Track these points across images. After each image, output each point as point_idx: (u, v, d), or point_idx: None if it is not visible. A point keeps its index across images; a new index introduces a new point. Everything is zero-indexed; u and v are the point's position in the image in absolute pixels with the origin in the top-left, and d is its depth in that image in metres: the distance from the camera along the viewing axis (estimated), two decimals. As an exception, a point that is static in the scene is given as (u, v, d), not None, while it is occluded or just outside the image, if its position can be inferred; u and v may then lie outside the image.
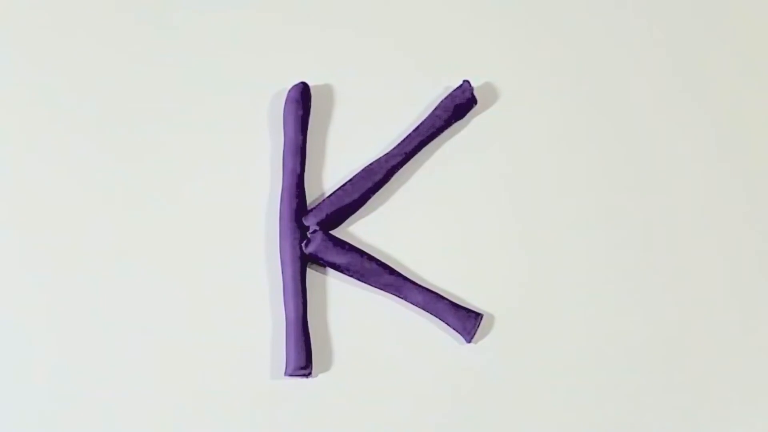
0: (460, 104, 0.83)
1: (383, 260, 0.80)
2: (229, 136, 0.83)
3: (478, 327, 0.78)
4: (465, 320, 0.78)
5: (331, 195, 0.81)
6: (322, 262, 0.79)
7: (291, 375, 0.77)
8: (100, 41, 0.85)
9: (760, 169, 0.83)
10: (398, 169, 0.82)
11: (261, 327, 0.79)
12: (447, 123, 0.83)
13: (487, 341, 0.79)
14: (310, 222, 0.80)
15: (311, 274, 0.80)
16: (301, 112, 0.82)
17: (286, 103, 0.83)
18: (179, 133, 0.83)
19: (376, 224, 0.81)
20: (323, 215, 0.80)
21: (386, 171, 0.81)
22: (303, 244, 0.79)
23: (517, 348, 0.79)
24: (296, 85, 0.83)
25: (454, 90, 0.83)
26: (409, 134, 0.82)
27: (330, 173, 0.82)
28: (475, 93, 0.84)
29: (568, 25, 0.87)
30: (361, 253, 0.79)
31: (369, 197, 0.81)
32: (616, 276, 0.80)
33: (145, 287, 0.79)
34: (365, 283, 0.79)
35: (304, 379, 0.78)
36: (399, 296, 0.79)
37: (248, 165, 0.82)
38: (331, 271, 0.80)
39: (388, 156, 0.81)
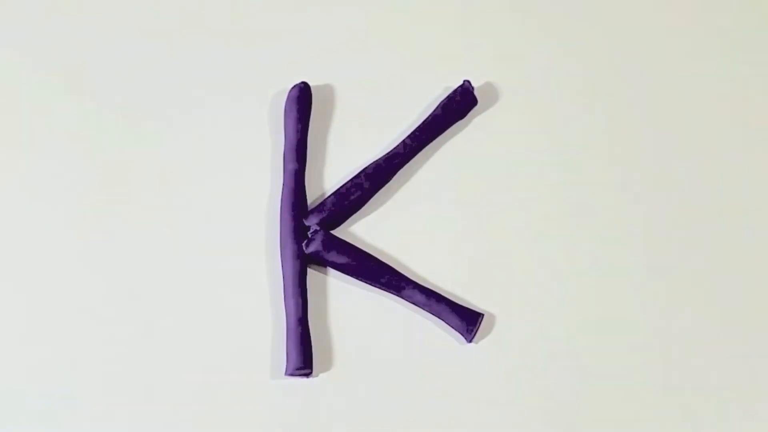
0: (460, 104, 0.83)
1: (384, 260, 0.80)
2: (229, 136, 0.83)
3: (478, 327, 0.78)
4: (465, 320, 0.78)
5: (331, 195, 0.80)
6: (322, 261, 0.79)
7: (291, 375, 0.77)
8: (101, 42, 0.85)
9: (759, 169, 0.83)
10: (399, 170, 0.82)
11: (261, 327, 0.79)
12: (447, 123, 0.83)
13: (487, 341, 0.79)
14: (311, 222, 0.80)
15: (311, 274, 0.80)
16: (301, 112, 0.82)
17: (286, 102, 0.83)
18: (180, 133, 0.83)
19: (376, 224, 0.81)
20: (324, 215, 0.80)
21: (387, 171, 0.81)
22: (304, 244, 0.79)
23: (517, 348, 0.79)
24: (296, 85, 0.83)
25: (454, 90, 0.83)
26: (410, 134, 0.82)
27: (330, 173, 0.82)
28: (475, 93, 0.84)
29: (568, 26, 0.87)
30: (362, 253, 0.79)
31: (370, 197, 0.81)
32: (617, 276, 0.80)
33: (146, 287, 0.79)
34: (365, 283, 0.79)
35: (304, 379, 0.78)
36: (399, 296, 0.79)
37: (248, 165, 0.82)
38: (331, 271, 0.80)
39: (388, 156, 0.81)
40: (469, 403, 0.77)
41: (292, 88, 0.83)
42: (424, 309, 0.79)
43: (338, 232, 0.81)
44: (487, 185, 0.82)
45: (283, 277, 0.79)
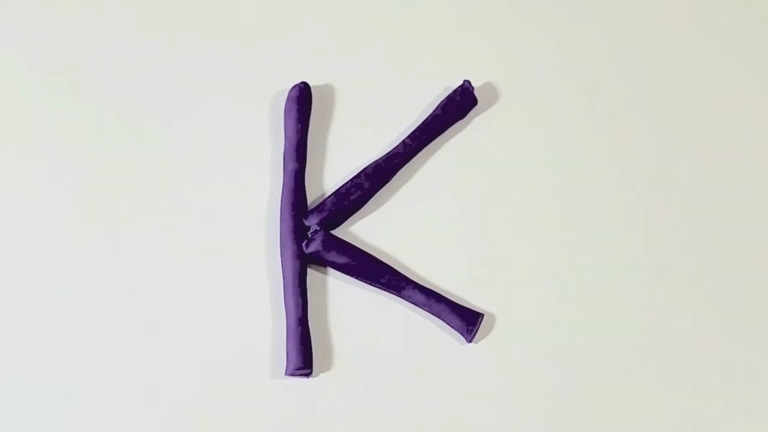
0: (460, 104, 0.83)
1: (384, 260, 0.80)
2: (229, 136, 0.83)
3: (478, 327, 0.78)
4: (465, 320, 0.78)
5: (331, 195, 0.80)
6: (322, 261, 0.79)
7: (291, 375, 0.77)
8: (101, 41, 0.85)
9: (759, 169, 0.83)
10: (399, 170, 0.82)
11: (261, 327, 0.79)
12: (447, 123, 0.83)
13: (487, 341, 0.79)
14: (311, 222, 0.80)
15: (311, 274, 0.80)
16: (301, 112, 0.82)
17: (286, 102, 0.83)
18: (180, 132, 0.83)
19: (376, 224, 0.81)
20: (324, 215, 0.80)
21: (387, 171, 0.81)
22: (304, 244, 0.79)
23: (517, 348, 0.79)
24: (296, 85, 0.83)
25: (454, 90, 0.83)
26: (410, 134, 0.82)
27: (330, 173, 0.82)
28: (475, 93, 0.84)
29: (568, 26, 0.87)
30: (362, 253, 0.79)
31: (370, 197, 0.81)
32: (617, 276, 0.80)
33: (146, 287, 0.79)
34: (365, 283, 0.79)
35: (304, 379, 0.78)
36: (399, 296, 0.79)
37: (248, 165, 0.82)
38: (331, 271, 0.80)
39: (388, 156, 0.81)
40: (469, 403, 0.77)
41: (292, 88, 0.83)
42: (424, 309, 0.79)
43: (338, 232, 0.81)
44: (487, 185, 0.82)
45: (283, 277, 0.79)
